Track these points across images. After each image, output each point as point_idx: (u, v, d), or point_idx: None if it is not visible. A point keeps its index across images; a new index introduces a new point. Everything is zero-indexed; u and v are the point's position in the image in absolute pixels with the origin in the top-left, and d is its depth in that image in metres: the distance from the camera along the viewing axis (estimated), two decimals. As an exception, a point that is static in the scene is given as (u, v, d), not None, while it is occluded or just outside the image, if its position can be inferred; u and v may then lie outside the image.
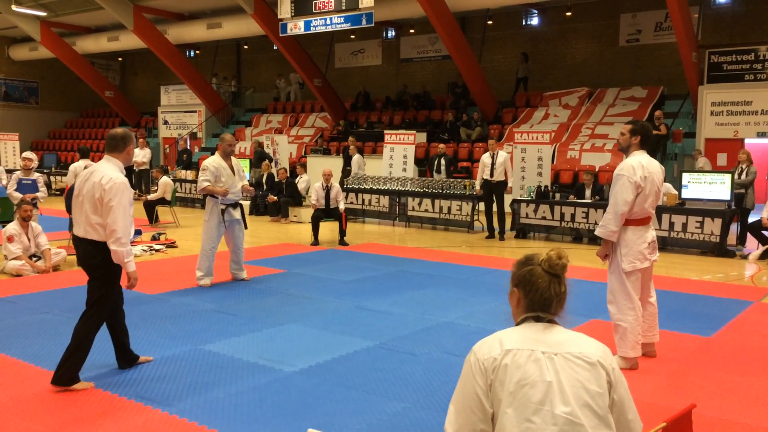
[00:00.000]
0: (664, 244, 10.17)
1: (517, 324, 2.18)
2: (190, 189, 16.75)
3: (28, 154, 10.46)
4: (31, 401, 4.02)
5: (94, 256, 4.26)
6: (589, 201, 11.14)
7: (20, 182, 9.77)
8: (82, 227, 4.29)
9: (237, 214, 7.57)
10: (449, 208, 12.71)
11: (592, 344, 2.11)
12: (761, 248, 9.58)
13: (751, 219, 10.40)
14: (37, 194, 9.69)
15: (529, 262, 2.17)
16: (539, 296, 2.11)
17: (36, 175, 10.05)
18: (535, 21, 20.58)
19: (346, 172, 15.78)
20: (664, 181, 11.03)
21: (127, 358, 4.65)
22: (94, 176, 4.29)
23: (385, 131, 16.67)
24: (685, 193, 10.25)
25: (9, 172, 13.16)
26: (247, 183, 7.82)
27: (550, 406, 1.96)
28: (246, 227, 7.78)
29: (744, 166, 10.69)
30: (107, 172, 4.28)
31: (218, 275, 7.64)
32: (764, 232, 9.62)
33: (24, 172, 9.96)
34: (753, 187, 10.69)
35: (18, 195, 9.54)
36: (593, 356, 2.05)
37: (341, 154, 17.34)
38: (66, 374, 4.19)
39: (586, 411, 1.97)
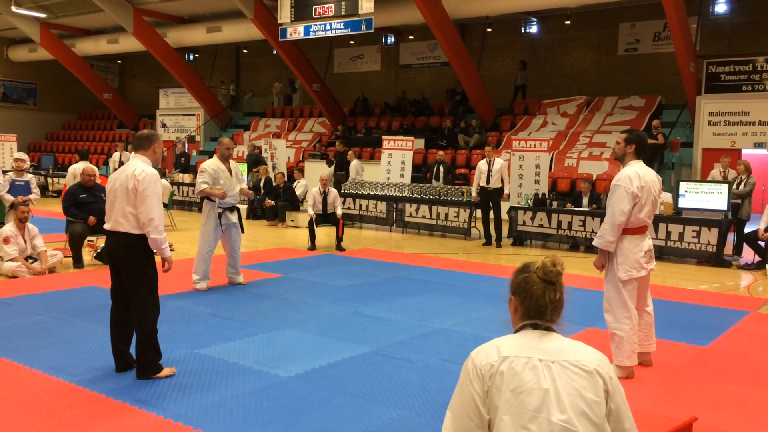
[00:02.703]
0: (661, 254, 10.17)
1: (516, 331, 2.19)
2: (188, 192, 16.73)
3: (20, 155, 10.39)
4: (24, 403, 4.00)
5: (124, 247, 4.43)
6: (586, 209, 11.16)
7: (13, 183, 9.71)
8: (113, 220, 4.46)
9: (234, 218, 7.57)
10: (446, 215, 12.71)
11: (589, 352, 2.12)
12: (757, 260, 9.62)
13: (748, 229, 10.42)
14: (30, 196, 9.63)
15: (526, 269, 2.19)
16: (534, 303, 2.12)
17: (29, 176, 9.99)
18: (534, 29, 20.65)
19: (338, 176, 15.76)
20: (664, 190, 11.11)
21: (124, 363, 4.65)
22: (125, 170, 4.49)
23: (383, 137, 16.69)
24: (682, 203, 10.26)
25: (5, 173, 13.13)
26: (245, 186, 7.81)
27: (546, 413, 1.97)
28: (243, 231, 7.77)
29: (743, 177, 10.71)
30: (138, 165, 4.48)
31: (215, 279, 7.63)
32: (760, 242, 9.63)
33: (17, 173, 9.89)
34: (750, 197, 10.72)
35: (10, 197, 9.47)
36: (590, 364, 2.06)
37: (334, 158, 17.37)
38: (147, 367, 4.44)
39: (582, 419, 1.98)
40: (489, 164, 11.44)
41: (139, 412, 3.91)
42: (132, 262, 4.44)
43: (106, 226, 4.53)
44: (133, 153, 4.68)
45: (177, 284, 7.44)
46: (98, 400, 4.09)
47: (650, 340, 4.96)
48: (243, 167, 16.09)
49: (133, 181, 4.37)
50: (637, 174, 4.65)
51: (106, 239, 4.63)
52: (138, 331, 4.46)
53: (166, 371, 4.53)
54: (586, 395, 2.01)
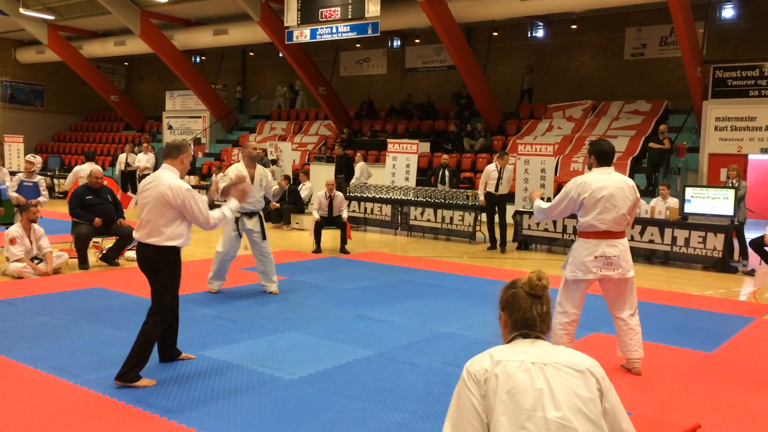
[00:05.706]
0: (667, 259, 10.15)
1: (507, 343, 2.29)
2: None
3: (30, 156, 10.38)
4: (28, 404, 4.01)
5: (155, 261, 4.46)
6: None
7: (21, 184, 9.74)
8: (145, 231, 4.46)
9: (251, 224, 7.36)
10: (451, 219, 12.70)
11: (580, 355, 2.23)
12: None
13: (751, 235, 10.37)
14: (39, 199, 9.63)
15: (513, 285, 2.31)
16: (522, 316, 2.24)
17: (38, 178, 9.99)
18: (540, 33, 20.65)
19: (338, 180, 15.75)
20: (670, 195, 11.05)
21: (169, 353, 4.83)
22: (156, 183, 4.46)
23: (389, 140, 16.69)
24: (688, 208, 10.22)
25: (13, 174, 13.17)
26: (276, 188, 7.54)
27: (542, 411, 2.04)
28: (265, 238, 7.43)
29: (734, 181, 10.68)
30: (168, 178, 4.47)
31: (229, 280, 7.63)
32: (766, 248, 9.58)
33: (26, 174, 9.92)
34: (744, 201, 10.69)
35: (15, 196, 9.49)
36: (582, 365, 2.16)
37: (335, 161, 17.36)
38: (130, 373, 4.34)
39: (578, 416, 2.04)
40: (499, 171, 11.33)
41: (142, 414, 3.91)
42: (159, 275, 4.48)
43: (139, 237, 4.49)
44: (163, 163, 4.67)
45: (185, 286, 7.43)
46: (102, 402, 4.09)
47: (628, 346, 4.91)
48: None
49: (165, 196, 4.38)
50: (585, 180, 4.79)
51: (137, 249, 4.60)
52: (141, 331, 4.44)
53: (144, 382, 4.38)
54: (581, 393, 2.08)
